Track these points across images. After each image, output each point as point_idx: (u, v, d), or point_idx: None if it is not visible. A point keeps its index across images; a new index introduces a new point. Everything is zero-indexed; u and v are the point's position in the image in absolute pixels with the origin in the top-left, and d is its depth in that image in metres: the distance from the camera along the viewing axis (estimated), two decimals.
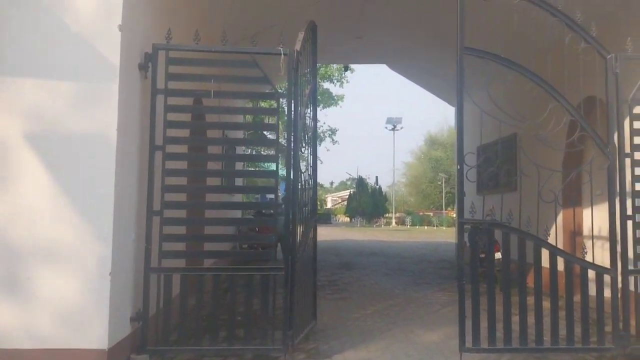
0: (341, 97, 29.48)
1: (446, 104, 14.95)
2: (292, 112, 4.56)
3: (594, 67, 4.77)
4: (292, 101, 4.56)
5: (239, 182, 9.17)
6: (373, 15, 9.22)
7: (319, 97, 19.21)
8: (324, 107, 28.31)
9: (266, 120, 12.33)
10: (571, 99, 4.76)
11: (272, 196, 5.05)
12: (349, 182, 64.90)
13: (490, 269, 4.60)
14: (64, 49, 3.92)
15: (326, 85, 27.83)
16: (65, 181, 3.82)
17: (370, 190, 46.85)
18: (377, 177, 55.98)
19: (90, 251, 3.76)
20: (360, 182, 48.41)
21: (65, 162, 3.84)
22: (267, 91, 5.97)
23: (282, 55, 4.49)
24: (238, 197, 13.48)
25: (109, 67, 3.90)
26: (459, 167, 4.55)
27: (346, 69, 20.56)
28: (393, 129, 49.64)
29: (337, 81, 27.69)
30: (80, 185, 3.82)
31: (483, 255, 5.35)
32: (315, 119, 5.63)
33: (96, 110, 3.86)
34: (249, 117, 17.47)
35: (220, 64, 4.63)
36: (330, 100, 28.85)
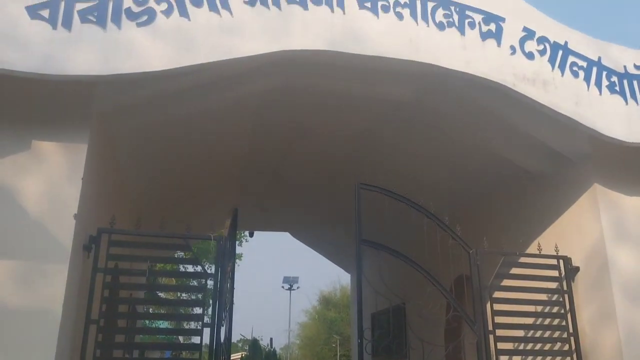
0: (239, 256, 29.97)
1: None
2: (219, 289, 5.20)
3: (462, 253, 6.02)
4: (220, 280, 5.22)
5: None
6: (278, 192, 10.41)
7: None
8: None
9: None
10: (446, 278, 5.87)
11: None
12: (240, 344, 61.88)
13: None
14: (20, 232, 4.40)
15: None
16: (5, 352, 4.05)
17: (264, 354, 45.12)
18: (271, 338, 53.88)
19: None
20: (254, 345, 46.55)
21: (8, 334, 4.11)
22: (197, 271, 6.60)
23: (212, 240, 5.28)
24: None
25: (62, 249, 4.39)
26: (359, 341, 5.32)
27: (251, 234, 21.29)
28: (290, 289, 49.71)
29: (237, 240, 28.47)
30: (21, 356, 4.07)
31: None
32: (232, 290, 6.27)
33: (45, 287, 4.27)
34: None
35: (158, 246, 5.28)
36: None
